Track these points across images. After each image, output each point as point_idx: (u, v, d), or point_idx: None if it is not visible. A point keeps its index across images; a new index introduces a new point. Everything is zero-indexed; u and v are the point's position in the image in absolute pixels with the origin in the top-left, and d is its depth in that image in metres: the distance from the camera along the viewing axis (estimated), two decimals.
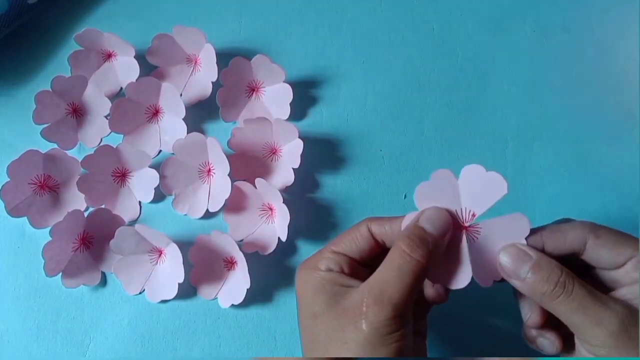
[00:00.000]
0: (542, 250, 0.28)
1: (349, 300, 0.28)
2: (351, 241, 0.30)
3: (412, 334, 0.30)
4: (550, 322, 0.29)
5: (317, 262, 0.30)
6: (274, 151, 0.41)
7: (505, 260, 0.28)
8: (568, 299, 0.26)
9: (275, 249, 0.39)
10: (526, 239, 0.28)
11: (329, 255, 0.30)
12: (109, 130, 0.41)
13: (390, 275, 0.27)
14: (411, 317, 0.28)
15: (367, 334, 0.26)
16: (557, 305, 0.27)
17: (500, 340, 0.39)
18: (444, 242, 0.29)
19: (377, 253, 0.31)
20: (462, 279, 0.29)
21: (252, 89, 0.43)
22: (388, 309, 0.26)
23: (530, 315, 0.30)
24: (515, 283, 0.28)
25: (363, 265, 0.31)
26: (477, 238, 0.29)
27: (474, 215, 0.29)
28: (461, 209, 0.29)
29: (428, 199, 0.29)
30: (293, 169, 0.39)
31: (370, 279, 0.28)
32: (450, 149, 0.42)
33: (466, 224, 0.29)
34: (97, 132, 0.42)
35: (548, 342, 0.30)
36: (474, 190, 0.29)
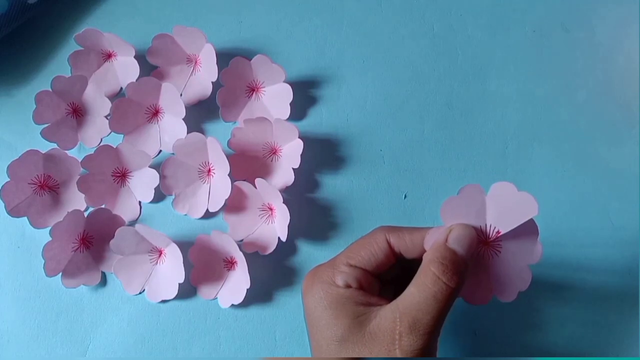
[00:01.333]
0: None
1: (377, 325, 0.27)
2: (369, 254, 0.29)
3: None
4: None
5: (333, 276, 0.29)
6: (274, 151, 0.41)
7: None
8: None
9: (275, 249, 0.39)
10: None
11: (345, 269, 0.29)
12: (109, 130, 0.41)
13: (424, 302, 0.26)
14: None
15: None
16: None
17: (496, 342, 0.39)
18: (471, 262, 0.28)
19: (392, 264, 0.30)
20: (484, 295, 0.29)
21: (252, 89, 0.43)
22: (423, 337, 0.26)
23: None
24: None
25: (376, 277, 0.30)
26: (499, 253, 0.29)
27: (498, 232, 0.29)
28: (487, 226, 0.29)
29: (455, 214, 0.28)
30: (293, 169, 0.39)
31: (401, 301, 0.27)
32: (451, 149, 0.42)
33: (489, 240, 0.29)
34: (97, 132, 0.42)
35: None
36: (503, 208, 0.28)
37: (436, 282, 0.26)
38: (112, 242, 0.38)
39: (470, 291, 0.30)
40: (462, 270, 0.27)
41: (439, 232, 0.28)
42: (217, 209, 0.39)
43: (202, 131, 0.42)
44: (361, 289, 0.28)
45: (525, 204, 0.28)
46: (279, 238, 0.38)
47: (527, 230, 0.29)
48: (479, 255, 0.29)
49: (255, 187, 0.38)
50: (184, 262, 0.37)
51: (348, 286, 0.28)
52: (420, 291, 0.27)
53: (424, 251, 0.29)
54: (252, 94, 0.43)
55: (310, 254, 0.40)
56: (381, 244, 0.29)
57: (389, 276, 0.31)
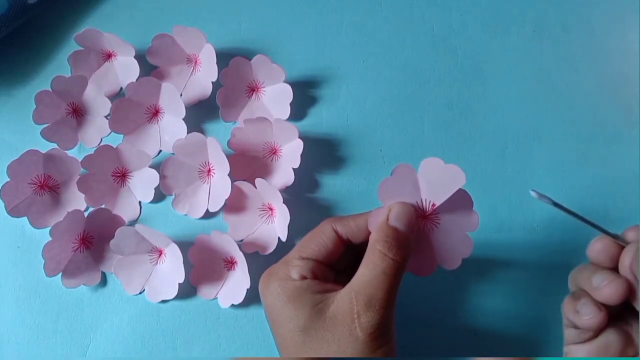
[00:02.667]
0: None
1: (336, 309, 0.28)
2: (318, 245, 0.30)
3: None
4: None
5: (287, 271, 0.30)
6: (274, 151, 0.41)
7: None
8: None
9: (275, 249, 0.39)
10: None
11: (298, 262, 0.30)
12: (109, 130, 0.41)
13: (375, 279, 0.28)
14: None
15: (362, 340, 0.26)
16: None
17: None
18: (413, 236, 0.30)
19: (342, 252, 0.31)
20: (430, 265, 0.31)
21: (252, 89, 0.43)
22: (381, 312, 0.27)
23: (595, 316, 0.28)
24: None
25: (329, 267, 0.31)
26: (439, 225, 0.31)
27: (434, 205, 0.30)
28: (422, 200, 0.30)
29: (391, 194, 0.30)
30: (293, 169, 0.39)
31: (353, 282, 0.28)
32: (450, 149, 0.42)
33: (427, 213, 0.31)
34: (97, 132, 0.42)
35: (599, 316, 0.28)
36: (434, 182, 0.30)
37: (383, 259, 0.28)
38: (112, 242, 0.38)
39: (415, 264, 0.31)
40: (406, 245, 0.29)
41: (379, 213, 0.30)
42: (217, 209, 0.39)
43: (202, 131, 0.42)
44: (316, 279, 0.29)
45: (453, 176, 0.29)
46: (279, 238, 0.38)
47: (462, 201, 0.31)
48: (420, 229, 0.31)
49: (255, 187, 0.38)
50: (184, 262, 0.37)
51: (303, 278, 0.29)
52: (371, 270, 0.28)
53: (369, 233, 0.30)
54: (252, 94, 0.43)
55: None
56: (329, 233, 0.30)
57: (341, 265, 0.32)
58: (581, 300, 0.29)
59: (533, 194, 0.27)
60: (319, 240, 0.30)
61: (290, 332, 0.28)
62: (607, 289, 0.27)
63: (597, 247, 0.29)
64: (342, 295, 0.28)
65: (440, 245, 0.31)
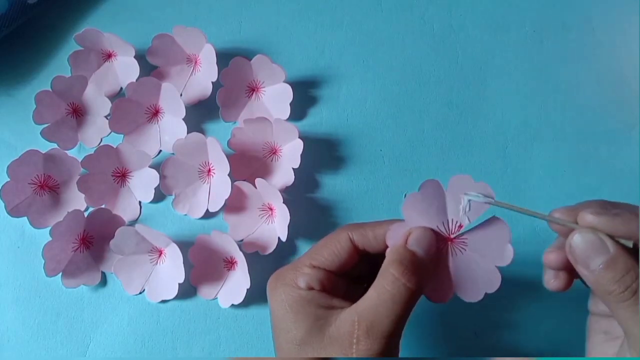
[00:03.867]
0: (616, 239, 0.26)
1: (337, 328, 0.26)
2: (332, 254, 0.29)
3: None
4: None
5: (295, 278, 0.28)
6: (274, 151, 0.41)
7: (578, 243, 0.26)
8: (633, 307, 0.24)
9: (275, 249, 0.39)
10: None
11: (308, 271, 0.28)
12: (109, 130, 0.41)
13: (382, 305, 0.26)
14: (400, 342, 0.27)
15: None
16: (619, 308, 0.25)
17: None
18: (432, 265, 0.28)
19: (356, 262, 0.30)
20: (445, 292, 0.29)
21: (252, 89, 0.43)
22: (381, 341, 0.25)
23: (555, 279, 0.28)
24: (581, 271, 0.26)
25: (341, 276, 0.30)
26: (464, 250, 0.28)
27: (460, 227, 0.28)
28: (448, 221, 0.28)
29: (416, 210, 0.28)
30: (293, 169, 0.39)
31: (359, 304, 0.27)
32: (451, 149, 0.42)
33: (452, 236, 0.28)
34: (97, 132, 0.42)
35: (557, 281, 0.28)
36: (461, 201, 0.28)
37: (394, 284, 0.26)
38: (112, 242, 0.38)
39: (430, 287, 0.29)
40: (422, 271, 0.27)
41: (398, 231, 0.28)
42: (217, 209, 0.39)
43: (202, 131, 0.42)
44: (324, 291, 0.28)
45: (483, 194, 0.27)
46: (279, 238, 0.38)
47: (497, 229, 0.28)
48: (441, 251, 0.29)
49: (255, 187, 0.38)
50: (184, 262, 0.37)
51: (310, 288, 0.28)
52: (379, 294, 0.26)
53: (387, 246, 0.29)
54: (252, 94, 0.43)
55: None
56: (344, 242, 0.29)
57: (356, 272, 0.31)
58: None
59: (466, 198, 0.27)
60: (332, 249, 0.29)
61: (287, 342, 0.27)
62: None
63: (550, 258, 0.28)
64: (345, 315, 0.27)
65: (462, 273, 0.28)
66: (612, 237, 0.25)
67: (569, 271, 0.28)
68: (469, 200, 0.27)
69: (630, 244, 0.25)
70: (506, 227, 0.28)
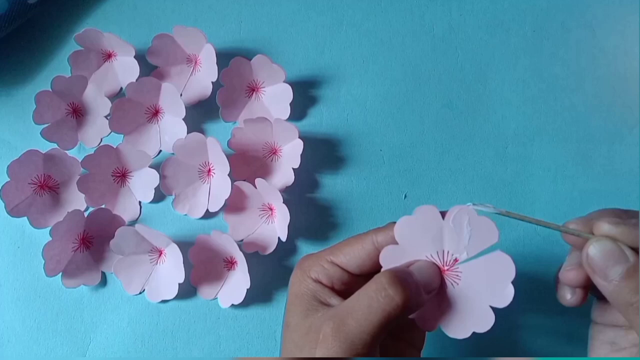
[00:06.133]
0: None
1: (314, 322, 0.26)
2: (352, 254, 0.28)
3: (407, 347, 0.29)
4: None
5: (311, 266, 0.28)
6: (274, 151, 0.41)
7: (595, 253, 0.25)
8: None
9: (275, 249, 0.39)
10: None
11: (325, 264, 0.28)
12: (109, 130, 0.41)
13: (359, 309, 0.25)
14: (376, 353, 0.25)
15: None
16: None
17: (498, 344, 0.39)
18: (425, 297, 0.26)
19: (378, 265, 0.29)
20: (432, 323, 0.27)
21: (252, 89, 0.43)
22: (342, 345, 0.24)
23: (572, 295, 0.27)
24: (599, 281, 0.25)
25: (360, 277, 0.29)
26: (457, 284, 0.27)
27: (456, 260, 0.27)
28: (443, 251, 0.27)
29: (409, 235, 0.27)
30: (293, 169, 0.39)
31: (342, 303, 0.26)
32: (451, 149, 0.42)
33: (445, 268, 0.27)
34: (97, 132, 0.42)
35: (573, 298, 0.27)
36: (460, 234, 0.26)
37: (378, 291, 0.25)
38: (112, 242, 0.38)
39: (419, 314, 0.27)
40: (413, 291, 0.25)
41: (392, 257, 0.27)
42: (217, 209, 0.39)
43: (202, 131, 0.42)
44: (331, 287, 0.28)
45: (485, 231, 0.25)
46: (279, 238, 0.38)
47: (500, 266, 0.26)
48: None
49: (255, 187, 0.38)
50: (184, 262, 0.37)
51: (317, 281, 0.28)
52: (360, 296, 0.25)
53: None
54: (252, 94, 0.43)
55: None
56: (367, 245, 0.28)
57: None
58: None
59: (471, 207, 0.25)
60: (355, 248, 0.28)
61: (284, 322, 0.28)
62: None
63: (570, 277, 0.27)
64: (327, 311, 0.26)
65: (451, 306, 0.27)
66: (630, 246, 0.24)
67: (586, 286, 0.27)
68: (474, 204, 0.26)
69: None
70: (511, 265, 0.25)
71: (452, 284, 0.27)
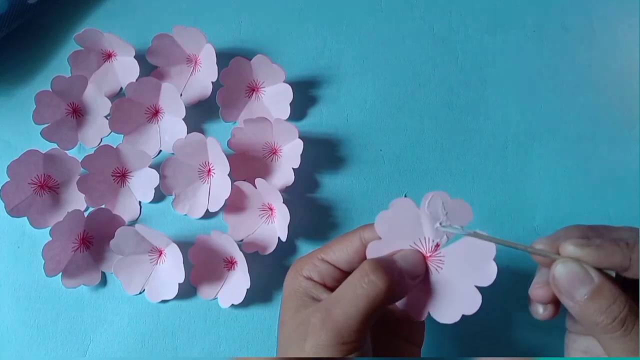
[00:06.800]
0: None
1: (304, 316, 0.26)
2: (342, 252, 0.29)
3: (406, 344, 0.30)
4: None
5: (304, 265, 0.29)
6: (274, 151, 0.41)
7: (561, 274, 0.25)
8: (623, 339, 0.24)
9: (275, 249, 0.39)
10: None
11: (317, 263, 0.29)
12: (109, 130, 0.41)
13: (343, 297, 0.25)
14: (365, 341, 0.26)
15: (310, 355, 0.25)
16: (607, 340, 0.24)
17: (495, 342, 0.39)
18: (410, 283, 0.27)
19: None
20: (420, 310, 0.28)
21: (252, 89, 0.43)
22: (330, 334, 0.24)
23: (544, 310, 0.28)
24: (566, 301, 0.25)
25: (351, 273, 0.29)
26: (442, 268, 0.27)
27: (437, 246, 0.27)
28: (424, 239, 0.27)
29: (389, 228, 0.27)
30: (293, 169, 0.39)
31: (330, 295, 0.26)
32: (451, 149, 0.42)
33: (428, 254, 0.27)
34: (97, 132, 0.42)
35: (546, 312, 0.28)
36: (437, 219, 0.27)
37: (361, 277, 0.25)
38: (112, 242, 0.38)
39: (407, 302, 0.28)
40: (395, 276, 0.26)
41: (378, 252, 0.27)
42: (217, 209, 0.39)
43: (202, 131, 0.42)
44: (323, 284, 0.28)
45: (460, 211, 0.26)
46: (279, 238, 0.38)
47: (480, 246, 0.26)
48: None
49: (255, 187, 0.38)
50: (184, 262, 0.37)
51: (309, 278, 0.29)
52: (345, 285, 0.26)
53: None
54: (252, 94, 0.43)
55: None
56: (355, 242, 0.29)
57: None
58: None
59: (440, 227, 0.26)
60: (344, 246, 0.29)
61: (279, 322, 0.29)
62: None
63: (539, 294, 0.28)
64: (316, 305, 0.27)
65: (438, 292, 0.27)
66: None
67: (557, 302, 0.27)
68: (442, 226, 0.26)
69: (613, 273, 0.25)
70: (492, 245, 0.26)
71: (436, 269, 0.27)
